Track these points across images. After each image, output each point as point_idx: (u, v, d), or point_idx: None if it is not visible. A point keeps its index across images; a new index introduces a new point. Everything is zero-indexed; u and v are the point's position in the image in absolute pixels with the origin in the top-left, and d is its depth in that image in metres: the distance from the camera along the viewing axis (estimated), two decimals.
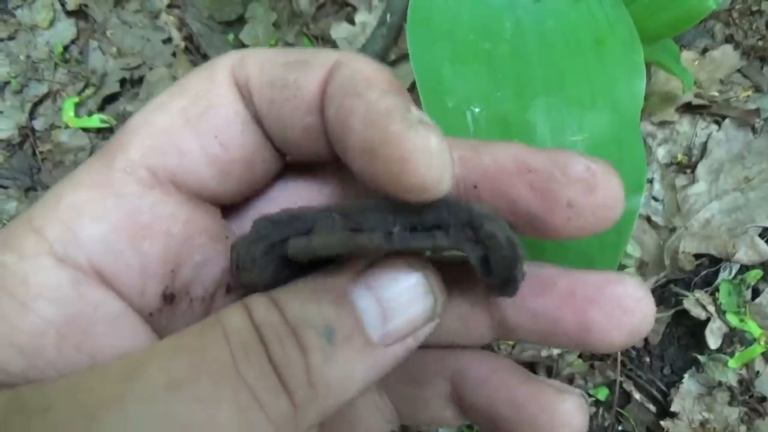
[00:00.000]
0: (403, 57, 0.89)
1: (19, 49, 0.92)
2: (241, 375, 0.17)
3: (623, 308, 0.20)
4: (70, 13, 0.94)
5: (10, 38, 0.93)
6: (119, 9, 0.94)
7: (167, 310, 0.21)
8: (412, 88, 0.91)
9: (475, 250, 0.18)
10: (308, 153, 0.21)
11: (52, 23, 0.93)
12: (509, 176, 0.20)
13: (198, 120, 0.20)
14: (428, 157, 0.16)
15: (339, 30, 0.90)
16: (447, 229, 0.18)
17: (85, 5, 0.93)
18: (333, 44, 0.90)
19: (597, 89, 0.26)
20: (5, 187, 0.87)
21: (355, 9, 0.91)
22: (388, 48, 0.87)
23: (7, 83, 0.91)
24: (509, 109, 0.25)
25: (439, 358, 0.24)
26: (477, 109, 0.26)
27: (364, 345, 0.18)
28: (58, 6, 0.93)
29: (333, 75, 0.20)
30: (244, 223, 0.23)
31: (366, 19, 0.90)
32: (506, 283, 0.19)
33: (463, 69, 0.26)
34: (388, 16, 0.85)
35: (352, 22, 0.90)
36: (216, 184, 0.21)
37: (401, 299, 0.19)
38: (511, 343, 0.77)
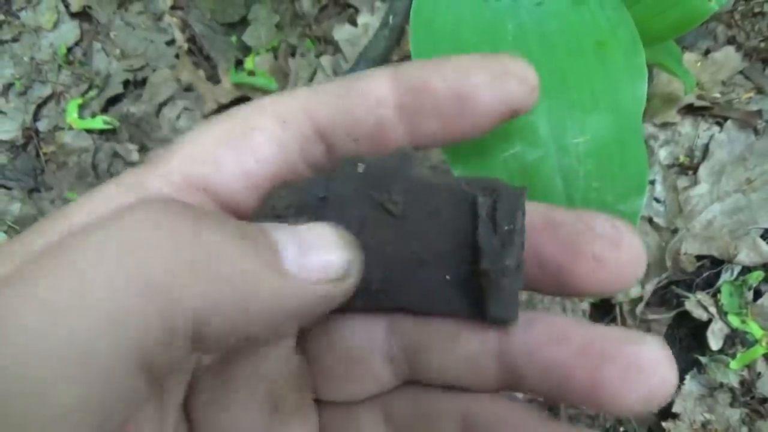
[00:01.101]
0: (406, 58, 0.89)
1: (23, 50, 0.93)
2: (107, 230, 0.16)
3: (639, 369, 0.19)
4: (74, 15, 0.94)
5: (14, 40, 0.93)
6: (123, 11, 0.94)
7: None
8: None
9: (485, 197, 0.21)
10: (377, 145, 0.23)
11: (56, 25, 0.94)
12: (536, 231, 0.21)
13: (238, 138, 0.22)
14: (527, 67, 0.22)
15: (341, 31, 0.90)
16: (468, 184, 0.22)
17: (89, 7, 0.94)
18: (335, 46, 0.90)
19: (599, 91, 0.26)
20: (9, 189, 0.88)
21: (357, 10, 0.92)
22: (391, 49, 0.87)
23: (11, 85, 0.91)
24: None
25: (450, 398, 0.23)
26: None
27: (274, 266, 0.18)
28: (62, 8, 0.94)
29: (402, 75, 0.22)
30: None
31: (368, 20, 0.90)
32: (506, 257, 0.20)
33: None
34: (391, 17, 0.86)
35: (354, 23, 0.91)
36: (245, 196, 0.22)
37: (317, 240, 0.19)
38: None
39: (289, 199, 0.21)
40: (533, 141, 0.25)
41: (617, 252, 0.20)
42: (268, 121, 0.22)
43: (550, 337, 0.21)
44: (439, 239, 0.21)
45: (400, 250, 0.21)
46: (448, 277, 0.21)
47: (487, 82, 0.22)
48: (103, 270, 0.15)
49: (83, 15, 0.94)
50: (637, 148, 0.25)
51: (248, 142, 0.22)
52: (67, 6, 0.94)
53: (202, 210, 0.18)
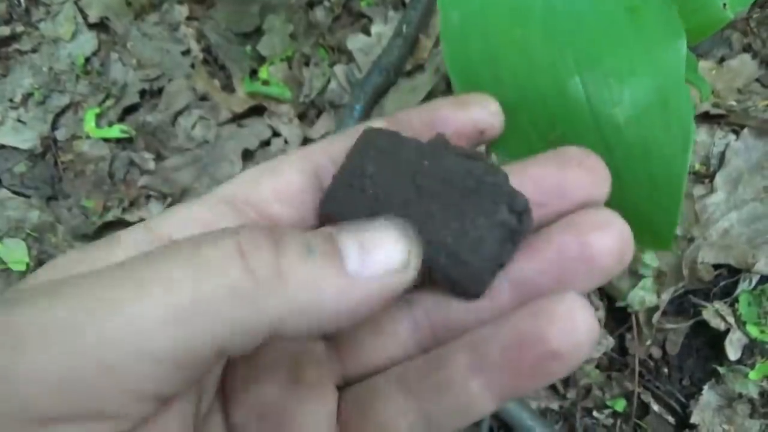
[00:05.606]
0: (419, 67, 0.89)
1: (42, 61, 0.94)
2: (201, 249, 0.19)
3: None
4: (91, 26, 0.95)
5: (34, 50, 0.94)
6: (139, 21, 0.96)
7: None
8: (427, 98, 0.90)
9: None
10: None
11: (74, 36, 0.95)
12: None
13: (270, 169, 0.27)
14: None
15: (355, 41, 0.91)
16: None
17: (107, 18, 0.95)
18: (349, 55, 0.91)
19: (635, 57, 0.25)
20: (28, 197, 0.88)
21: (371, 20, 0.92)
22: (404, 58, 0.88)
23: (30, 94, 0.92)
24: (547, 90, 0.25)
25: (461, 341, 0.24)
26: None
27: (338, 271, 0.20)
28: (80, 19, 0.95)
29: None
30: None
31: (382, 30, 0.91)
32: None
33: (498, 63, 0.26)
34: (404, 27, 0.86)
35: (368, 33, 0.91)
36: (278, 207, 0.26)
37: (377, 236, 0.21)
38: None
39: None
40: (571, 118, 0.25)
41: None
42: (293, 156, 0.27)
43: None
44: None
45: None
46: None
47: None
48: (195, 282, 0.18)
49: (101, 26, 0.96)
50: (682, 103, 0.25)
51: (276, 170, 0.27)
52: (85, 17, 0.95)
53: (280, 231, 0.21)
